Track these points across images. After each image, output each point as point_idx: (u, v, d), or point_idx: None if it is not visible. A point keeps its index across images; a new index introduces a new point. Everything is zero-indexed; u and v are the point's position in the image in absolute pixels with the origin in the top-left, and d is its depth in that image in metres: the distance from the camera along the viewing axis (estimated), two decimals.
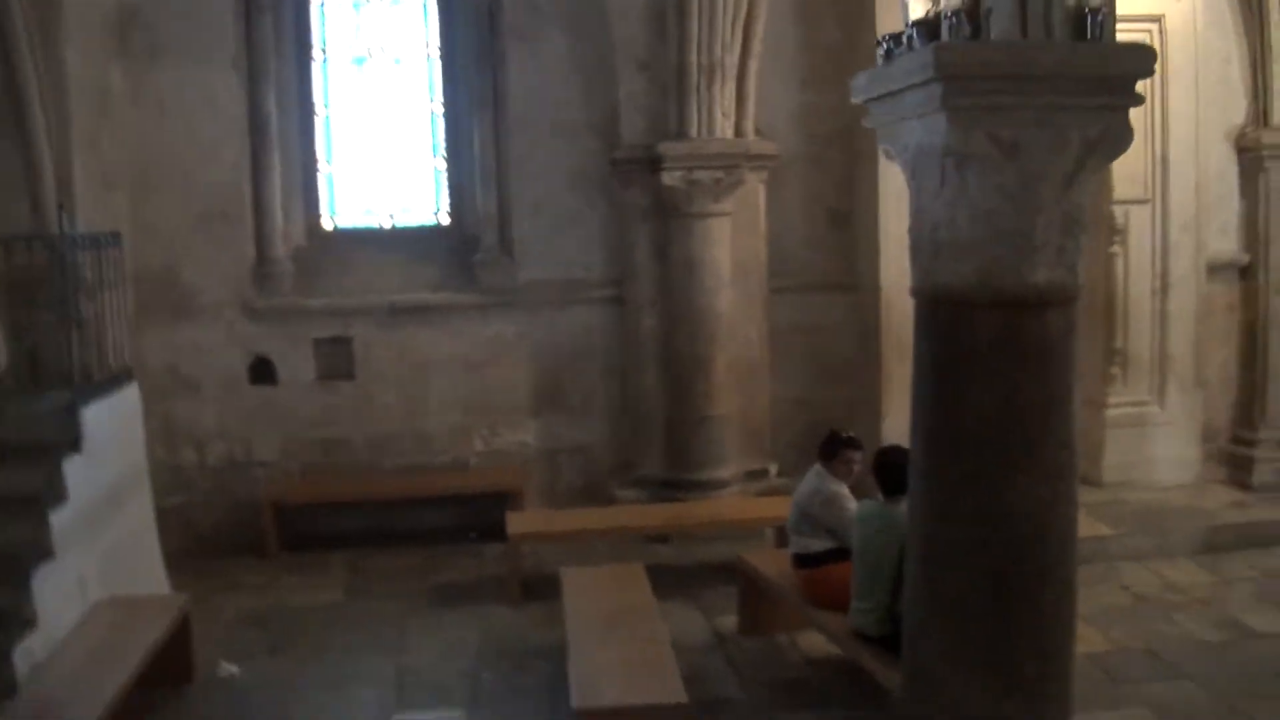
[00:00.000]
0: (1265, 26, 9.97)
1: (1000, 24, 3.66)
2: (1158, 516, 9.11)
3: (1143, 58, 3.84)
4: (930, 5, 3.85)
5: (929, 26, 3.82)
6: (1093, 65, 3.74)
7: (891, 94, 4.02)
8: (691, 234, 8.98)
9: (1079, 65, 3.72)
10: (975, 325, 3.92)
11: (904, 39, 3.97)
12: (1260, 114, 10.13)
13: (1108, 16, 3.71)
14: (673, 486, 9.05)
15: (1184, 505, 9.38)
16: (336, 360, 9.13)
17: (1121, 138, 3.87)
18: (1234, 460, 10.56)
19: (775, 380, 9.59)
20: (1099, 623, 7.06)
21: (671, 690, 5.04)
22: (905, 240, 8.44)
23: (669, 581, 7.26)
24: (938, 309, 4.03)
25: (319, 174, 9.54)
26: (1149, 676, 6.61)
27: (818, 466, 6.52)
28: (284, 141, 9.19)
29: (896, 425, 8.77)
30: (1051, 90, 3.72)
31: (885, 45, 4.06)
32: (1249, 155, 10.06)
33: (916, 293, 4.11)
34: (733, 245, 9.17)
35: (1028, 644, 4.04)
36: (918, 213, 4.04)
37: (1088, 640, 6.26)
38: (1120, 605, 7.64)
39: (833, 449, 6.50)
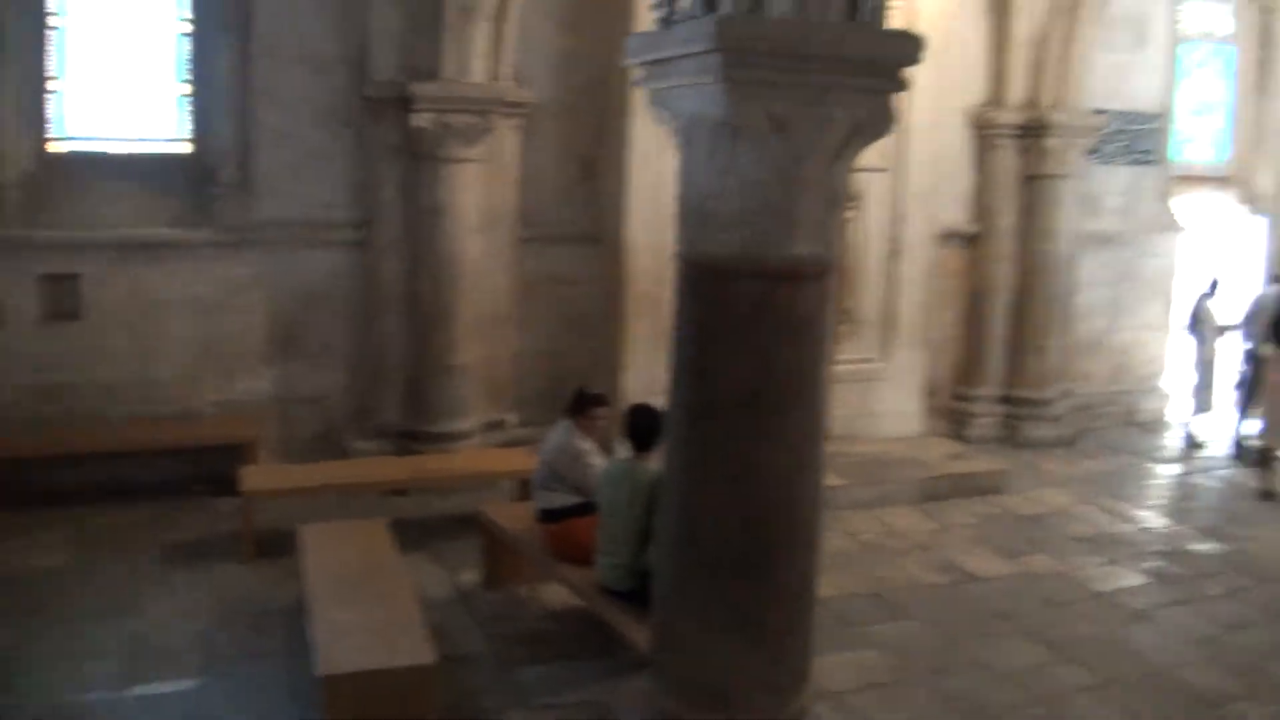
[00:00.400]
0: (1007, 13, 10.58)
1: (781, 2, 3.69)
2: (882, 467, 9.62)
3: (911, 44, 3.98)
4: None
5: None
6: (864, 48, 3.85)
7: (668, 60, 4.02)
8: (440, 179, 8.75)
9: (852, 47, 3.82)
10: (737, 294, 3.99)
11: (682, 4, 3.95)
12: (996, 95, 10.77)
13: (880, 1, 3.81)
14: (412, 437, 8.89)
15: (906, 456, 9.92)
16: (63, 299, 8.40)
17: (885, 121, 4.00)
18: (953, 415, 11.33)
19: (520, 331, 9.50)
20: (828, 569, 7.28)
21: (420, 651, 4.98)
22: (653, 195, 8.64)
23: (408, 535, 7.12)
24: (701, 276, 4.08)
25: (50, 91, 8.59)
26: (876, 618, 7.02)
27: (565, 423, 6.57)
28: (10, 52, 8.22)
29: (636, 379, 8.94)
30: (825, 70, 3.80)
31: (665, 9, 4.03)
32: (983, 133, 10.67)
33: (681, 259, 4.14)
34: (483, 193, 9.00)
35: (773, 601, 4.21)
36: (686, 180, 4.06)
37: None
38: (848, 551, 8.04)
39: (580, 406, 6.57)
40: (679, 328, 4.17)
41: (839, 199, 4.10)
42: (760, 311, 3.98)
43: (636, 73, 4.38)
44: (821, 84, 3.82)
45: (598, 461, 6.37)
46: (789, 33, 3.73)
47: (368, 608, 5.47)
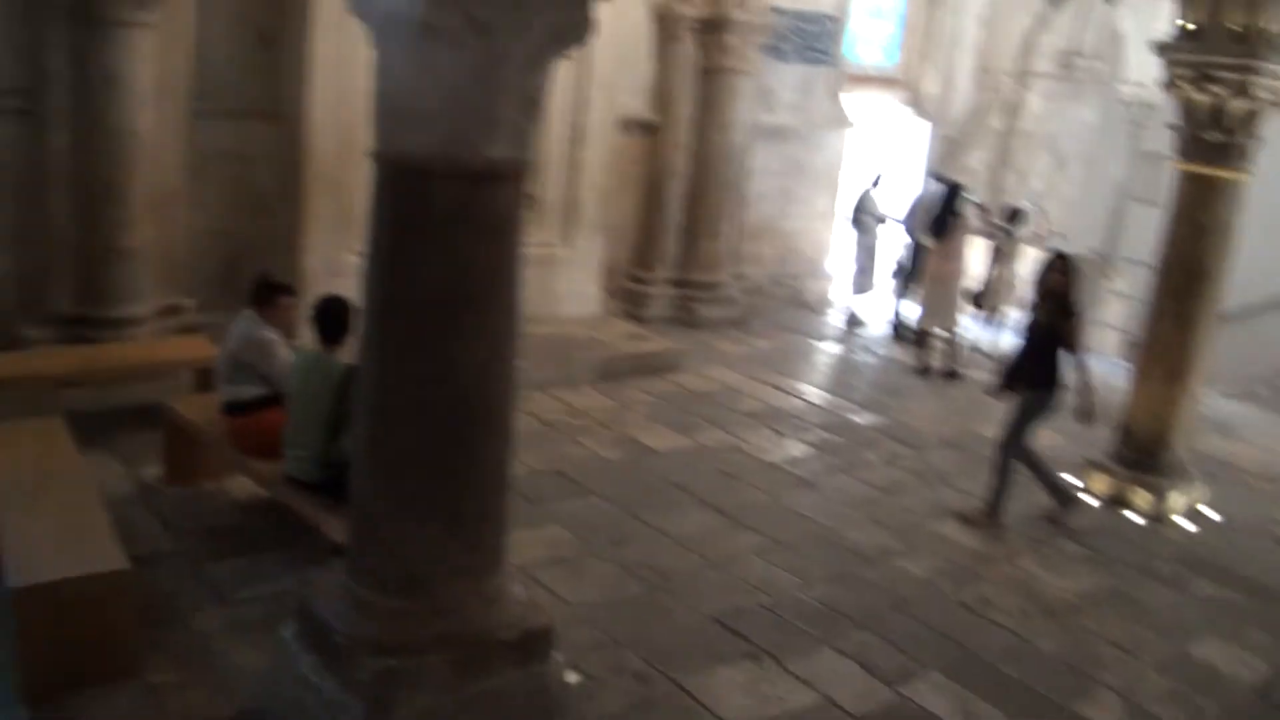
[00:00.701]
0: None
1: None
2: (563, 348, 9.93)
3: None
4: None
5: None
6: None
7: None
8: (112, 44, 8.03)
9: None
10: (435, 194, 4.04)
11: None
12: None
13: None
14: (85, 324, 8.34)
15: (586, 337, 10.29)
16: None
17: (584, 28, 4.11)
18: (631, 296, 11.77)
19: (195, 211, 8.94)
20: (515, 450, 7.70)
21: (111, 557, 4.86)
22: (336, 71, 8.39)
23: (86, 430, 6.73)
24: (399, 176, 4.09)
25: None
26: (561, 495, 7.38)
27: (249, 312, 6.40)
28: None
29: (318, 261, 8.79)
30: None
31: None
32: (665, 25, 10.92)
33: (377, 158, 4.13)
34: (156, 62, 8.40)
35: (470, 489, 4.37)
36: (383, 78, 4.04)
37: None
38: (531, 431, 8.29)
39: (264, 295, 6.40)
40: (375, 226, 4.18)
41: (537, 103, 4.19)
42: (458, 212, 4.05)
43: None
44: None
45: (285, 352, 6.28)
46: None
47: (54, 515, 5.25)
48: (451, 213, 4.05)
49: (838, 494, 8.02)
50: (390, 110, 4.05)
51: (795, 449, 8.80)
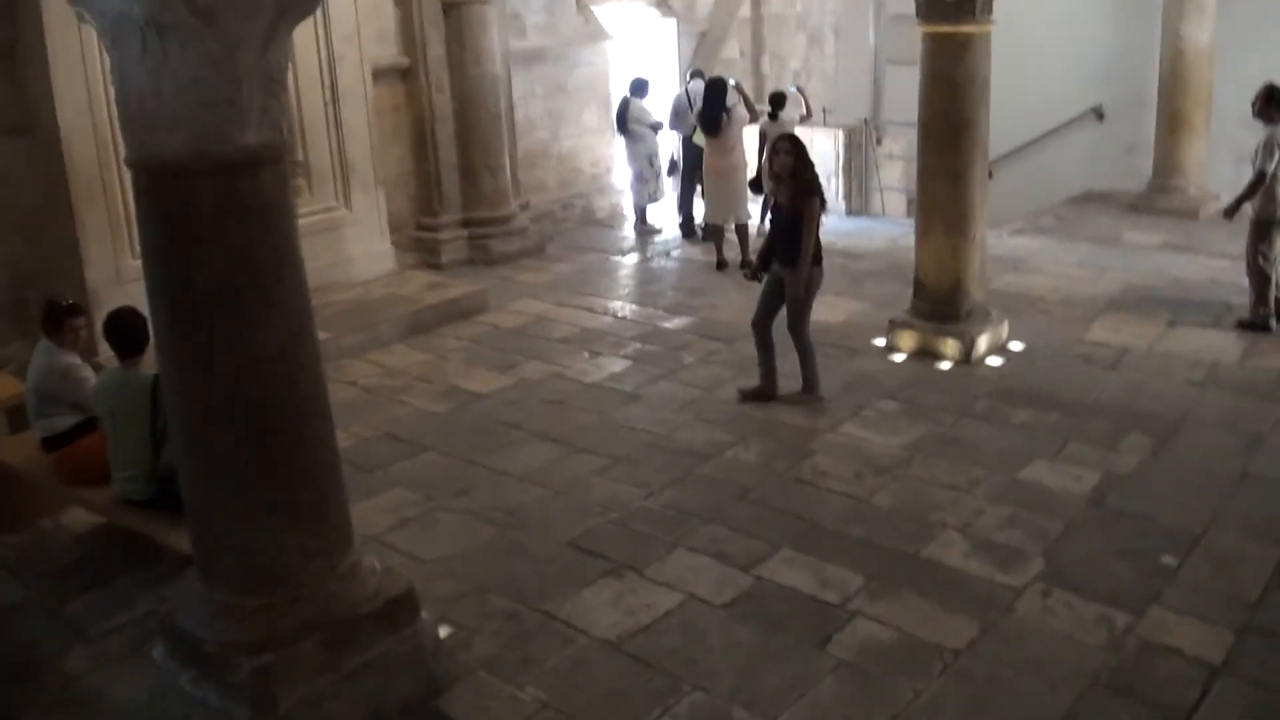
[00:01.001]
0: None
1: None
2: (366, 310, 9.84)
3: None
4: None
5: None
6: None
7: None
8: None
9: None
10: (197, 192, 3.96)
11: None
12: None
13: None
14: None
15: (387, 295, 10.21)
16: None
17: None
18: (423, 245, 11.70)
19: None
20: (338, 421, 7.58)
21: None
22: (83, 76, 7.98)
23: None
24: (157, 180, 4.01)
25: None
26: (395, 457, 7.37)
27: (44, 342, 6.19)
28: None
29: (101, 272, 8.45)
30: None
31: None
32: None
33: (133, 165, 4.03)
34: None
35: (300, 477, 4.36)
36: (123, 84, 3.92)
37: None
38: (352, 400, 8.27)
39: (55, 320, 6.17)
40: (145, 233, 4.09)
41: (279, 82, 4.12)
42: (224, 205, 3.98)
43: None
44: None
45: (89, 374, 6.10)
46: None
47: None
48: (217, 207, 4.00)
49: (663, 400, 8.21)
50: (136, 114, 3.94)
51: (614, 365, 8.95)
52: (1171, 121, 13.16)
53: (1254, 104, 8.90)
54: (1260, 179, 8.75)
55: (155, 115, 3.88)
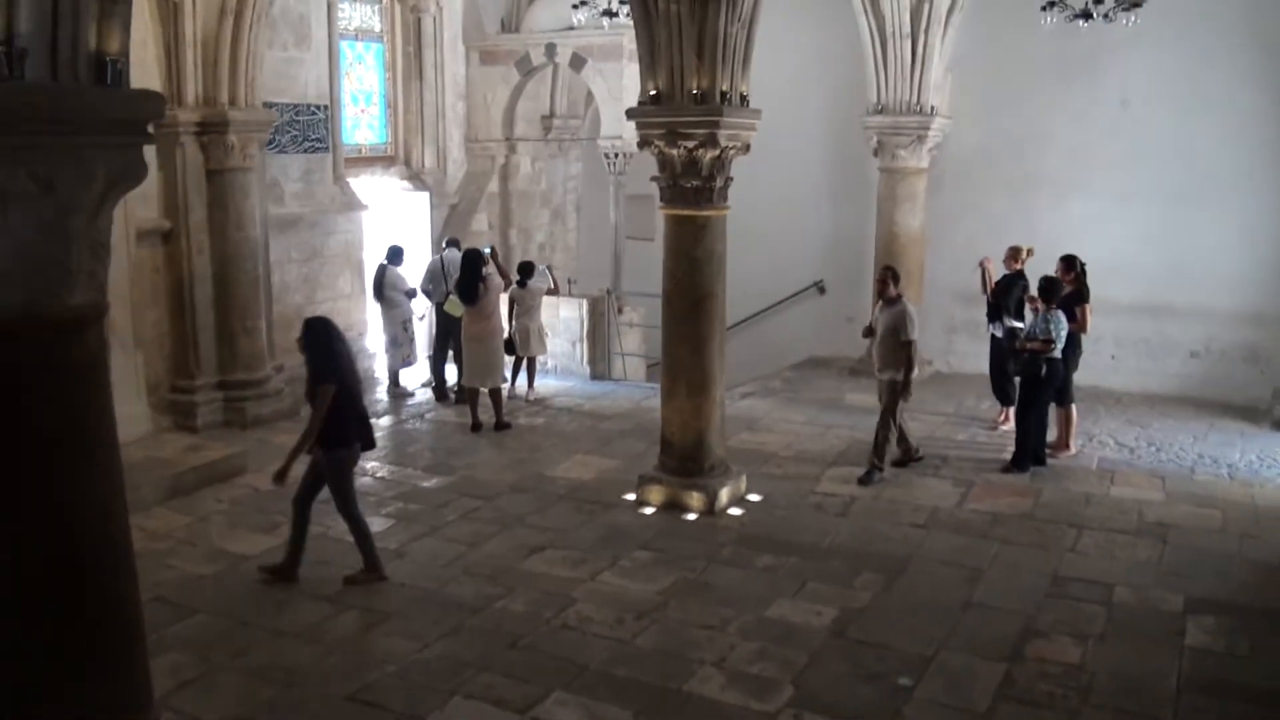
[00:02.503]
0: (178, 16, 10.89)
1: (34, 68, 3.89)
2: (126, 472, 9.62)
3: (155, 103, 4.37)
4: None
5: None
6: (115, 109, 4.16)
7: None
8: None
9: (104, 109, 4.12)
10: (24, 350, 4.13)
11: None
12: (174, 94, 11.02)
13: (124, 65, 4.15)
14: None
15: (145, 457, 10.03)
16: None
17: (139, 170, 4.34)
18: (178, 407, 11.59)
19: None
20: None
21: None
22: None
23: None
24: None
25: None
26: (168, 620, 7.28)
27: None
28: None
29: None
30: (82, 130, 4.06)
31: None
32: (164, 131, 10.87)
33: None
34: None
35: (111, 632, 4.44)
36: None
37: None
38: None
39: None
40: None
41: (105, 246, 4.36)
42: (49, 363, 4.14)
43: None
44: (80, 144, 4.06)
45: None
46: (47, 99, 3.93)
47: None
48: (43, 364, 4.15)
49: (429, 556, 8.46)
50: None
51: (377, 524, 9.04)
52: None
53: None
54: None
55: None
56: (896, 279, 10.35)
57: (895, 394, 10.12)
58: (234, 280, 11.81)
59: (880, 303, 10.35)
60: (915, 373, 10.18)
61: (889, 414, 10.18)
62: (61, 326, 4.19)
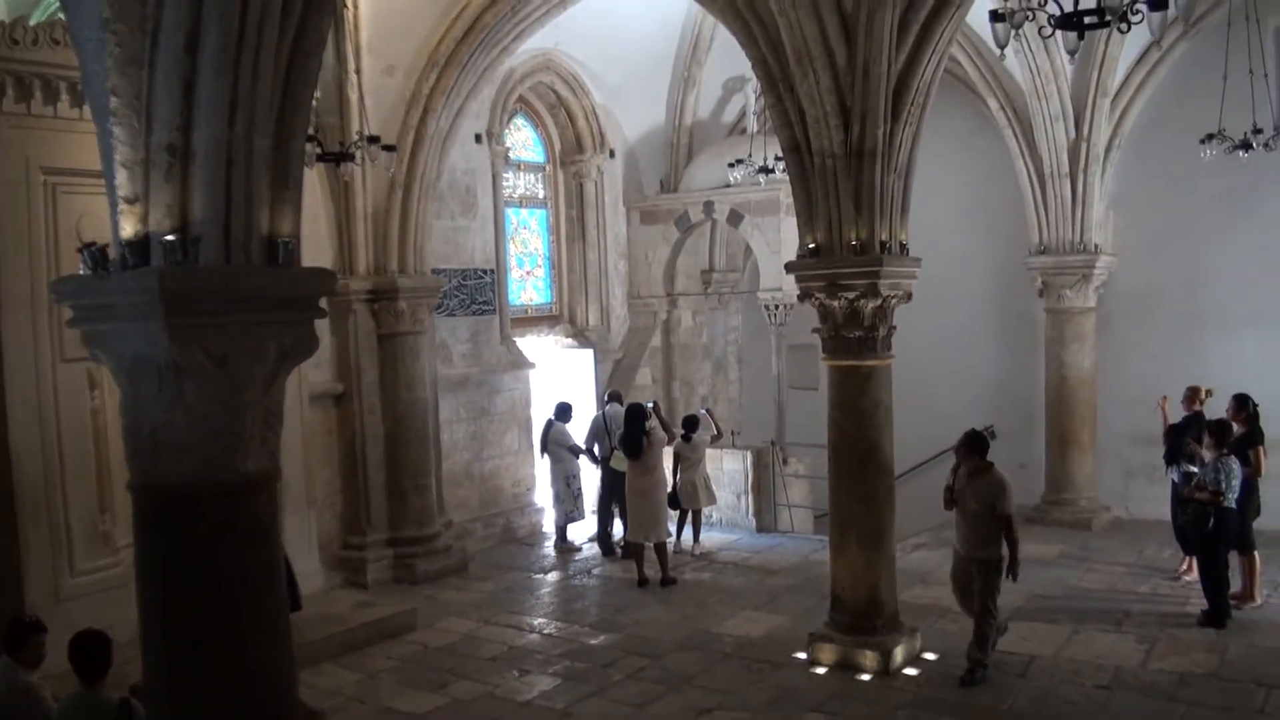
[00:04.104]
0: (350, 192, 11.52)
1: (208, 251, 4.13)
2: (295, 630, 9.72)
3: (325, 280, 4.58)
4: (138, 224, 4.14)
5: (137, 246, 4.12)
6: (286, 288, 4.38)
7: (108, 305, 4.25)
8: None
9: (275, 288, 4.34)
10: (198, 516, 4.28)
11: (109, 251, 4.21)
12: (346, 265, 11.58)
13: (296, 245, 4.37)
14: None
15: (315, 613, 10.17)
16: None
17: (310, 343, 4.54)
18: (348, 564, 11.85)
19: None
20: None
21: None
22: (34, 394, 8.24)
23: None
24: (163, 504, 4.32)
25: None
26: None
27: (4, 659, 6.19)
28: None
29: (39, 592, 8.48)
30: (254, 309, 4.27)
31: (89, 254, 4.26)
32: (337, 300, 11.38)
33: (139, 490, 4.34)
34: None
35: None
36: (134, 415, 4.30)
37: None
38: None
39: (19, 637, 6.15)
40: (146, 555, 4.36)
41: (278, 415, 4.55)
42: (223, 528, 4.29)
43: (67, 313, 4.52)
44: (253, 321, 4.29)
45: (48, 695, 6.06)
46: (221, 281, 4.17)
47: None
48: (216, 530, 4.30)
49: (595, 718, 8.32)
50: (144, 444, 4.30)
51: (544, 683, 9.06)
52: (1060, 439, 14.22)
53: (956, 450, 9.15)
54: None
55: (165, 444, 4.25)
56: (982, 445, 8.94)
57: (993, 576, 8.81)
58: (404, 439, 12.14)
59: (962, 471, 9.02)
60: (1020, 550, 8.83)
61: (989, 601, 8.81)
62: (233, 492, 4.35)
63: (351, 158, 10.28)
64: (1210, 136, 11.33)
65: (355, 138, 10.47)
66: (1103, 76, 13.35)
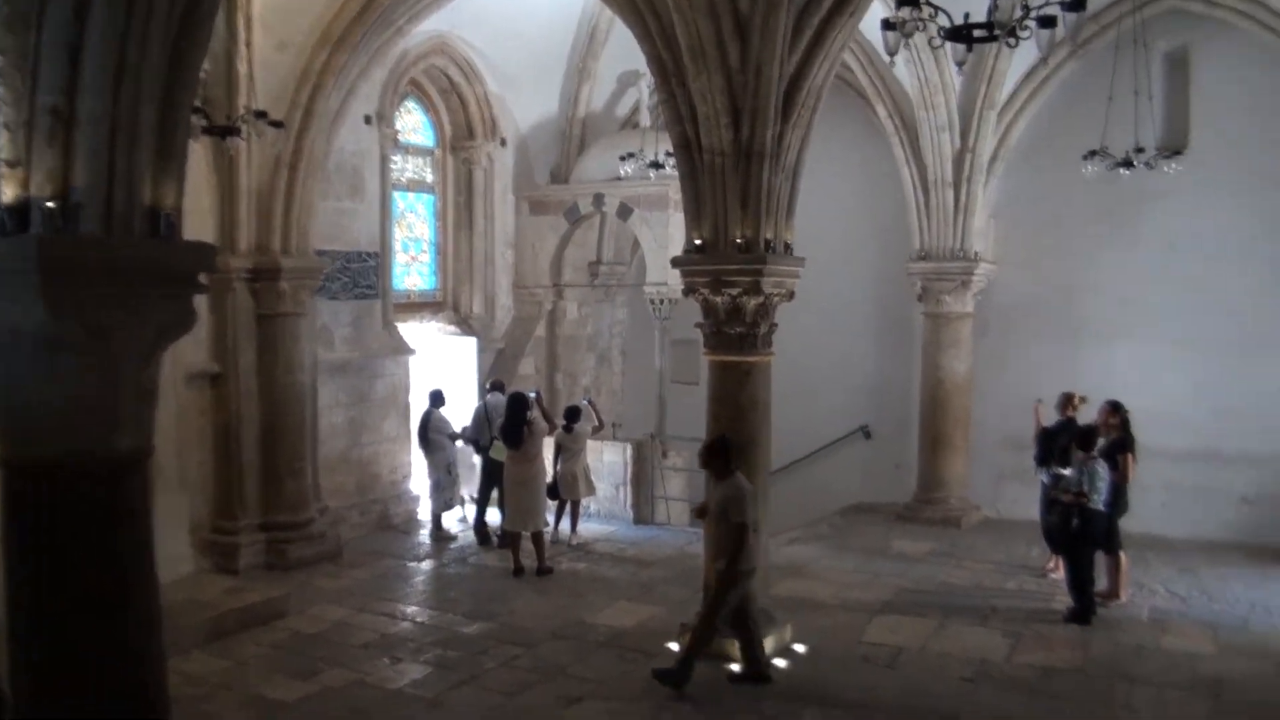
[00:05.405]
0: (233, 167, 11.27)
1: (89, 219, 4.01)
2: (164, 615, 9.57)
3: (206, 255, 4.49)
4: (18, 189, 4.00)
5: (16, 212, 3.98)
6: (167, 261, 4.29)
7: None
8: None
9: (156, 261, 4.24)
10: (69, 492, 4.17)
11: None
12: (228, 242, 11.32)
13: (178, 218, 4.27)
14: None
15: (184, 599, 9.89)
16: None
17: (189, 319, 4.45)
18: (219, 549, 11.60)
19: None
20: None
21: None
22: None
23: None
24: (31, 480, 4.19)
25: None
26: None
27: None
28: None
29: None
30: (134, 282, 4.17)
31: None
32: (217, 277, 11.12)
33: (8, 465, 4.21)
34: None
35: None
36: (8, 389, 4.16)
37: None
38: None
39: None
40: (13, 533, 4.22)
41: (153, 393, 4.45)
42: (94, 506, 4.19)
43: None
44: (132, 294, 4.18)
45: None
46: (101, 251, 4.06)
47: None
48: (88, 507, 4.20)
49: (465, 706, 8.27)
50: (17, 418, 4.17)
51: (415, 671, 8.98)
52: (934, 441, 14.60)
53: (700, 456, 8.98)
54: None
55: (38, 418, 4.12)
56: (723, 451, 8.69)
57: (721, 583, 8.53)
58: (281, 423, 11.93)
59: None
60: (746, 564, 8.53)
61: (715, 607, 8.58)
62: (105, 470, 4.25)
63: (238, 132, 10.08)
64: (1093, 153, 11.72)
65: (243, 112, 10.26)
66: (990, 90, 13.74)
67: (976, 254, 14.31)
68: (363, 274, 13.47)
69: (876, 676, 8.90)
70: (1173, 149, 12.38)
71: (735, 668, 8.85)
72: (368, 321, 13.68)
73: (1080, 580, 10.29)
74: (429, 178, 15.71)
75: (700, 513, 9.00)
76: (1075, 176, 12.36)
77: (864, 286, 16.03)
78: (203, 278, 4.54)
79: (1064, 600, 10.52)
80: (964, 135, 13.96)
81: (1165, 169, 11.81)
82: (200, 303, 11.23)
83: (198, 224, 10.81)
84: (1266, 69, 12.91)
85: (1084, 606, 10.21)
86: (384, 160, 13.86)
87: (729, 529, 8.44)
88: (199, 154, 10.93)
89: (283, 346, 11.87)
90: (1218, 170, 13.17)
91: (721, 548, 8.55)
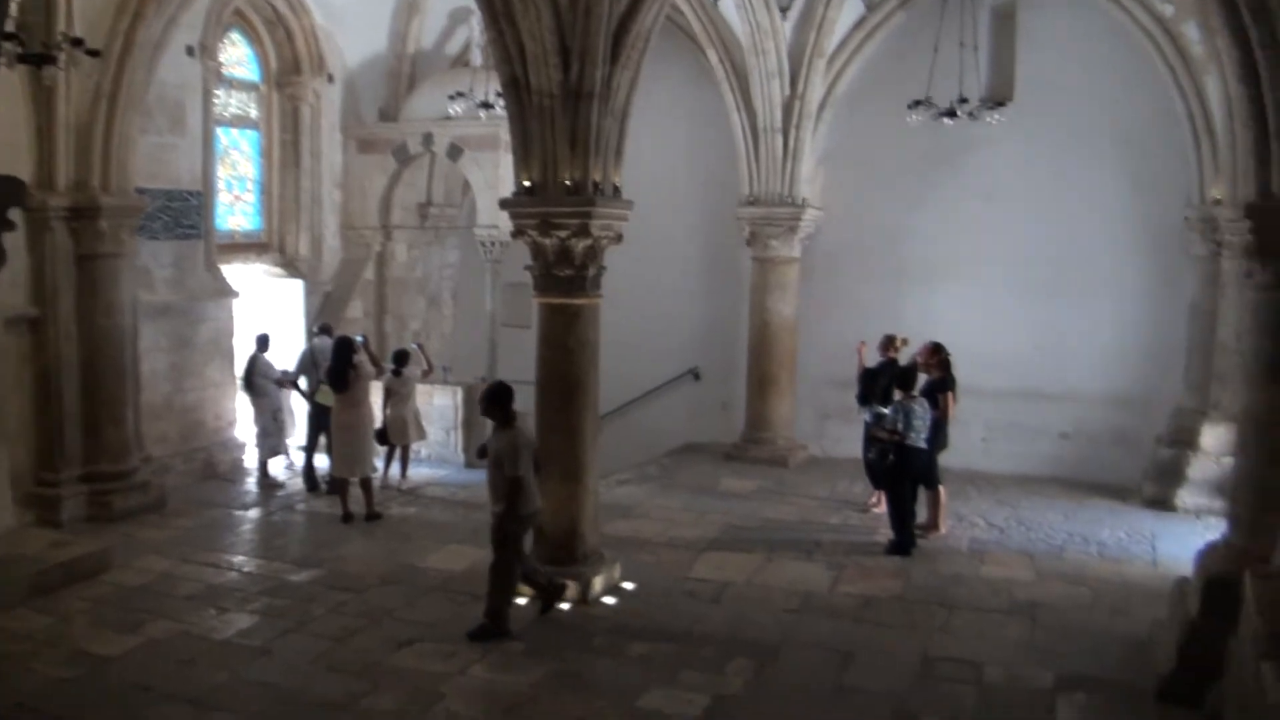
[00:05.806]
0: (50, 99, 10.82)
1: None
2: None
3: (14, 189, 4.36)
4: None
5: None
6: None
7: None
8: None
9: None
10: None
11: None
12: (45, 179, 10.83)
13: None
14: None
15: (7, 554, 9.59)
16: None
17: None
18: (41, 501, 11.20)
19: None
20: None
21: None
22: None
23: None
24: None
25: None
26: None
27: None
28: None
29: None
30: None
31: None
32: (35, 216, 10.67)
33: None
34: None
35: None
36: None
37: None
38: None
39: None
40: None
41: None
42: None
43: None
44: None
45: None
46: None
47: None
48: None
49: (294, 654, 8.22)
50: None
51: (243, 621, 8.86)
52: (760, 381, 15.00)
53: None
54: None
55: None
56: (501, 399, 8.64)
57: (501, 528, 8.59)
58: (101, 369, 11.52)
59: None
60: (525, 509, 8.57)
61: (504, 554, 8.63)
62: None
63: (54, 60, 9.59)
64: (918, 103, 12.07)
65: (59, 39, 9.79)
66: (820, 38, 13.97)
67: (804, 200, 14.65)
68: (185, 213, 13.02)
69: (703, 610, 9.20)
70: (998, 100, 12.84)
71: (565, 606, 9.05)
72: (190, 263, 13.25)
73: (900, 514, 10.78)
74: (254, 114, 15.22)
75: (481, 453, 9.02)
76: (901, 125, 12.76)
77: (694, 230, 16.25)
78: (18, 216, 4.38)
79: (886, 534, 11.02)
80: (794, 82, 14.22)
81: (989, 120, 12.26)
82: (19, 243, 10.92)
83: (14, 157, 10.42)
84: (1092, 22, 13.44)
85: (904, 539, 10.70)
86: (207, 94, 13.34)
87: (504, 479, 8.50)
88: (15, 84, 10.44)
89: (103, 289, 11.43)
90: (1041, 121, 13.76)
91: (499, 493, 8.59)
